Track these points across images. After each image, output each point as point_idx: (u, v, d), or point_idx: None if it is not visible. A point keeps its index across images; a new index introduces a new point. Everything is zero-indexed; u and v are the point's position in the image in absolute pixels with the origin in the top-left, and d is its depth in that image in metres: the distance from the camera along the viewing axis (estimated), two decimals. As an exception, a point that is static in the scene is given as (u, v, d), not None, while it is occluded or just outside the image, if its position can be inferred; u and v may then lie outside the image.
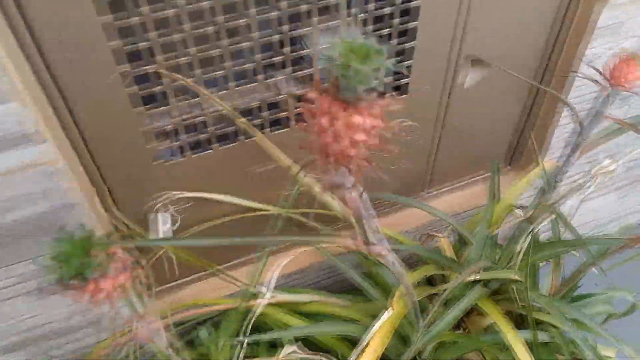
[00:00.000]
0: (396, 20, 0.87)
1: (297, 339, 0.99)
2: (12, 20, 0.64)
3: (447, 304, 1.02)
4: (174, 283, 1.15)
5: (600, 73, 0.71)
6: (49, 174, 0.74)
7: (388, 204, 1.25)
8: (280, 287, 1.24)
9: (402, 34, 0.91)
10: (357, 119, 0.40)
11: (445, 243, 1.13)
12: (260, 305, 0.91)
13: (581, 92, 1.14)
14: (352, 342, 1.02)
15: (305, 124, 0.43)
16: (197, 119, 0.86)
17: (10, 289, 0.89)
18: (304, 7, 0.80)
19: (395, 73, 0.98)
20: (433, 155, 1.18)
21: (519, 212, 1.18)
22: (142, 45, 0.73)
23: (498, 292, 1.15)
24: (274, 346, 1.03)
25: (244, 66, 0.82)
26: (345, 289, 1.20)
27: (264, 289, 0.95)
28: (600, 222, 1.73)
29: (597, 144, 0.76)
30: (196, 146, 0.94)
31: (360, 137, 0.41)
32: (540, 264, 1.24)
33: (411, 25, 0.89)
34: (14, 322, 0.95)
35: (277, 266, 0.92)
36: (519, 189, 1.18)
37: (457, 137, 1.17)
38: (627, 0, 1.00)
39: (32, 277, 0.88)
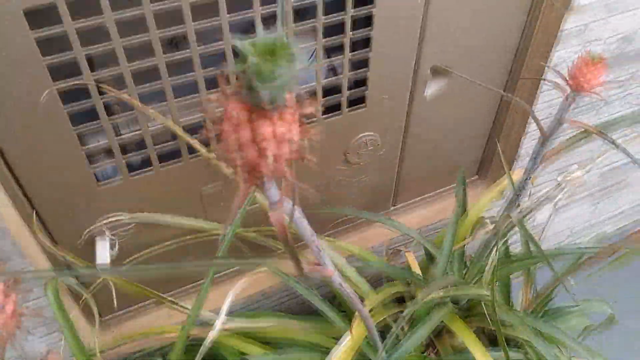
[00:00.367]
0: (349, 30, 0.82)
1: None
2: None
3: (413, 324, 0.96)
4: (124, 311, 1.08)
5: (561, 76, 0.66)
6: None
7: (352, 220, 1.19)
8: (240, 311, 1.17)
9: (357, 43, 0.86)
10: (263, 126, 0.35)
11: (411, 259, 1.07)
12: (211, 335, 0.84)
13: (549, 97, 1.10)
14: (315, 369, 0.96)
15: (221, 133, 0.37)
16: (135, 137, 0.80)
17: None
18: (249, 16, 0.74)
19: (356, 84, 0.93)
20: (397, 168, 1.12)
21: (488, 223, 1.14)
22: (67, 57, 0.67)
23: (469, 309, 1.10)
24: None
25: (184, 78, 0.76)
26: (312, 309, 1.14)
27: (215, 317, 0.88)
28: (575, 230, 1.69)
29: (560, 150, 0.72)
30: (139, 166, 0.87)
31: (268, 146, 0.35)
32: (514, 278, 1.19)
33: (365, 34, 0.84)
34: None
35: (229, 293, 0.85)
36: (488, 200, 1.13)
37: (422, 148, 1.12)
38: (592, 2, 0.97)
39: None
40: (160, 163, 0.85)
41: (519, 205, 0.86)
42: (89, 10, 0.64)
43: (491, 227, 0.89)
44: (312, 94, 0.88)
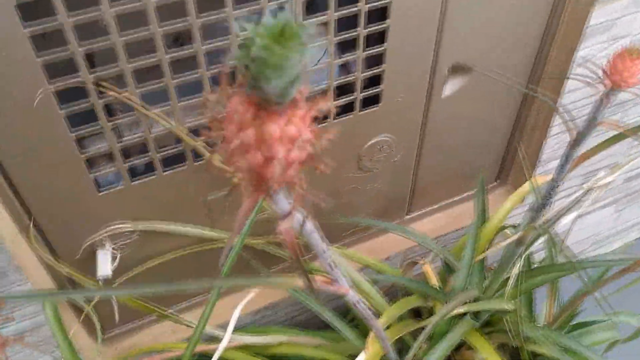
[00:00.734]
0: (363, 23, 0.77)
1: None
2: None
3: (432, 339, 0.91)
4: (127, 326, 1.03)
5: (594, 72, 0.61)
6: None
7: (366, 229, 1.14)
8: (248, 325, 1.12)
9: (371, 40, 0.81)
10: (270, 128, 0.30)
11: (428, 270, 1.02)
12: (217, 352, 0.79)
13: (573, 97, 1.04)
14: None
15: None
16: (137, 141, 0.75)
17: None
18: (257, 10, 0.70)
19: (370, 82, 0.88)
20: (412, 173, 1.07)
21: (509, 232, 1.08)
22: (63, 54, 0.62)
23: (490, 324, 1.04)
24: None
25: (188, 77, 0.72)
26: (323, 323, 1.09)
27: (222, 332, 0.83)
28: (598, 237, 1.62)
29: (592, 153, 0.66)
30: (141, 172, 0.83)
31: (276, 151, 0.30)
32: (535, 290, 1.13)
33: (380, 27, 0.79)
34: None
35: (236, 308, 0.80)
36: (510, 207, 1.07)
37: (440, 152, 1.07)
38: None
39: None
40: (163, 168, 0.80)
41: (547, 210, 0.80)
42: (87, 1, 0.60)
43: (515, 236, 0.83)
44: (323, 94, 0.83)
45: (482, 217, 0.99)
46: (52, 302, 0.76)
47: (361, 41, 0.78)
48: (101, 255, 0.81)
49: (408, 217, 1.17)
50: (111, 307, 0.91)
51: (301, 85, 0.30)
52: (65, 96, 0.67)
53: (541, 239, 0.93)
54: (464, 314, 0.94)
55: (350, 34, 0.77)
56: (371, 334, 0.79)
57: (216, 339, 0.94)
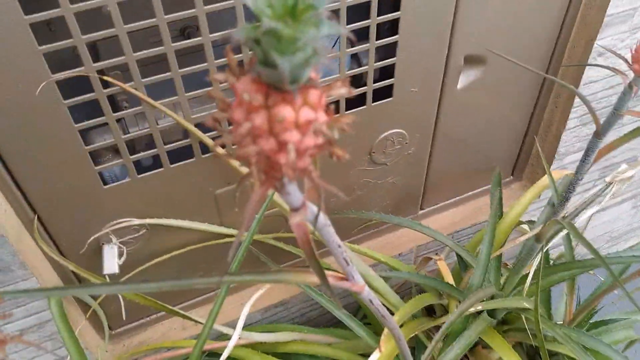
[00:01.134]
0: (374, 11, 0.74)
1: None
2: None
3: (447, 338, 0.88)
4: (136, 323, 1.01)
5: (621, 58, 0.58)
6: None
7: (378, 225, 1.11)
8: (259, 322, 1.10)
9: (383, 30, 0.78)
10: (283, 111, 0.27)
11: (443, 267, 0.99)
12: (226, 350, 0.77)
13: (593, 89, 1.01)
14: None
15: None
16: (143, 134, 0.73)
17: None
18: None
19: (383, 74, 0.85)
20: (426, 167, 1.04)
21: (526, 228, 1.04)
22: (65, 45, 0.60)
23: (506, 322, 1.01)
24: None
25: (195, 69, 0.69)
26: (335, 320, 1.06)
27: (231, 330, 0.81)
28: (614, 234, 1.59)
29: (618, 143, 0.63)
30: (148, 166, 0.81)
31: (290, 136, 0.28)
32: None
33: (392, 16, 0.76)
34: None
35: (245, 305, 0.78)
36: (527, 202, 1.04)
37: (454, 146, 1.04)
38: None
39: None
40: (170, 162, 0.78)
41: (566, 205, 0.77)
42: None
43: (534, 231, 0.80)
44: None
45: (499, 211, 0.96)
46: (57, 299, 0.75)
47: (373, 31, 0.76)
48: (107, 251, 0.79)
49: (421, 212, 1.15)
50: (118, 303, 0.89)
51: (317, 64, 0.28)
52: (71, 89, 0.65)
53: (558, 236, 0.90)
54: (480, 311, 0.91)
55: (362, 24, 0.74)
56: (385, 333, 0.77)
57: (226, 337, 0.92)
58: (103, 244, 0.81)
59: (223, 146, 0.74)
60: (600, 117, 0.67)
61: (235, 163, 0.76)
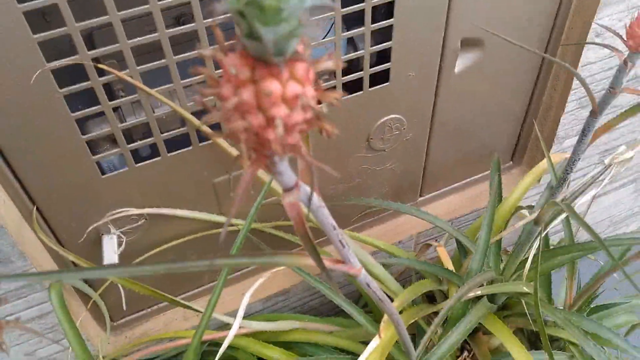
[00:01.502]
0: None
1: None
2: None
3: (447, 324, 0.88)
4: (138, 313, 1.01)
5: (618, 35, 0.57)
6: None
7: (378, 212, 1.11)
8: (260, 312, 1.10)
9: (379, 14, 0.78)
10: (269, 85, 0.27)
11: (443, 253, 0.99)
12: (226, 339, 0.77)
13: (591, 70, 1.00)
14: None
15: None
16: (140, 123, 0.73)
17: None
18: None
19: (379, 59, 0.85)
20: (424, 153, 1.04)
21: (525, 213, 1.04)
22: (60, 33, 0.60)
23: (507, 307, 1.01)
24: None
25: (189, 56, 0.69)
26: (337, 308, 1.07)
27: (232, 320, 0.81)
28: (615, 219, 1.58)
29: (615, 123, 0.63)
30: (146, 155, 0.81)
31: (277, 111, 0.28)
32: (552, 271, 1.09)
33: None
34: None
35: (245, 294, 0.78)
36: (526, 187, 1.04)
37: (452, 131, 1.04)
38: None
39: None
40: (168, 150, 0.78)
41: (564, 189, 0.77)
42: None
43: (533, 215, 0.80)
44: (332, 72, 0.80)
45: (498, 196, 0.96)
46: (57, 289, 0.75)
47: (368, 14, 0.75)
48: (107, 241, 0.79)
49: (421, 199, 1.14)
50: (119, 294, 0.90)
51: (304, 36, 0.27)
52: (70, 79, 0.65)
53: (558, 220, 0.90)
54: (480, 297, 0.91)
55: (357, 7, 0.74)
56: (384, 319, 0.77)
57: (227, 327, 0.92)
58: (102, 234, 0.81)
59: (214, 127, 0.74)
60: (599, 99, 0.66)
61: (232, 151, 0.76)
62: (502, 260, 0.99)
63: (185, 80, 0.71)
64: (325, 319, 1.00)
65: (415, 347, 0.76)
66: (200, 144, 0.79)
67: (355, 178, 0.99)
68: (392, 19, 0.77)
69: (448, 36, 0.85)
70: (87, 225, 0.80)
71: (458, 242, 1.01)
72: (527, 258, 0.89)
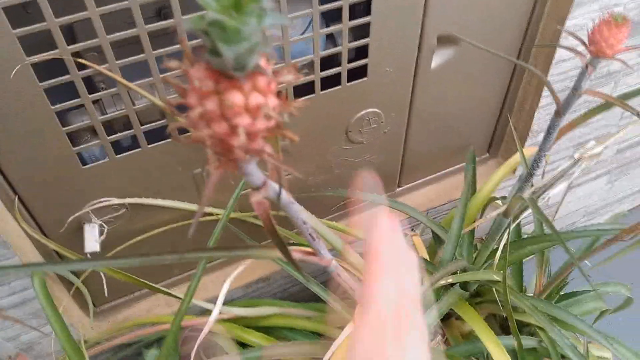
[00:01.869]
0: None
1: None
2: None
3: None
4: (121, 299, 1.04)
5: (580, 40, 0.60)
6: None
7: (355, 202, 1.13)
8: (241, 298, 1.13)
9: (358, 9, 0.79)
10: (232, 97, 0.29)
11: (418, 242, 1.02)
12: (207, 324, 0.80)
13: (563, 68, 1.03)
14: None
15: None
16: (120, 115, 0.75)
17: None
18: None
19: (357, 54, 0.86)
20: (402, 146, 1.06)
21: (499, 203, 1.08)
22: (40, 28, 0.61)
23: (479, 294, 1.05)
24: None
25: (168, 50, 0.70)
26: (316, 296, 1.10)
27: (213, 307, 0.83)
28: (590, 209, 1.63)
29: (577, 124, 0.66)
30: (127, 147, 0.82)
31: (240, 120, 0.30)
32: (527, 261, 1.13)
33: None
34: None
35: (225, 281, 0.81)
36: (499, 179, 1.07)
37: (429, 125, 1.06)
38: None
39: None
40: (149, 142, 0.79)
41: (532, 184, 0.80)
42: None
43: (503, 207, 0.83)
44: (310, 66, 0.82)
45: (472, 187, 0.99)
46: (40, 277, 0.77)
47: (345, 11, 0.77)
48: (88, 230, 0.81)
49: (399, 189, 1.17)
50: (101, 281, 0.92)
51: (264, 52, 0.29)
52: (51, 72, 0.66)
53: (529, 211, 0.94)
54: (452, 284, 0.95)
55: (335, 4, 0.76)
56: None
57: (209, 313, 0.95)
58: (84, 223, 0.83)
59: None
60: (564, 99, 0.69)
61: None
62: (477, 249, 1.02)
63: (164, 75, 0.72)
64: (304, 305, 1.03)
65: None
66: (180, 136, 0.80)
67: (335, 169, 1.01)
68: (369, 17, 0.79)
69: (425, 33, 0.87)
70: (68, 215, 0.81)
71: (433, 232, 1.04)
72: (498, 248, 0.92)
